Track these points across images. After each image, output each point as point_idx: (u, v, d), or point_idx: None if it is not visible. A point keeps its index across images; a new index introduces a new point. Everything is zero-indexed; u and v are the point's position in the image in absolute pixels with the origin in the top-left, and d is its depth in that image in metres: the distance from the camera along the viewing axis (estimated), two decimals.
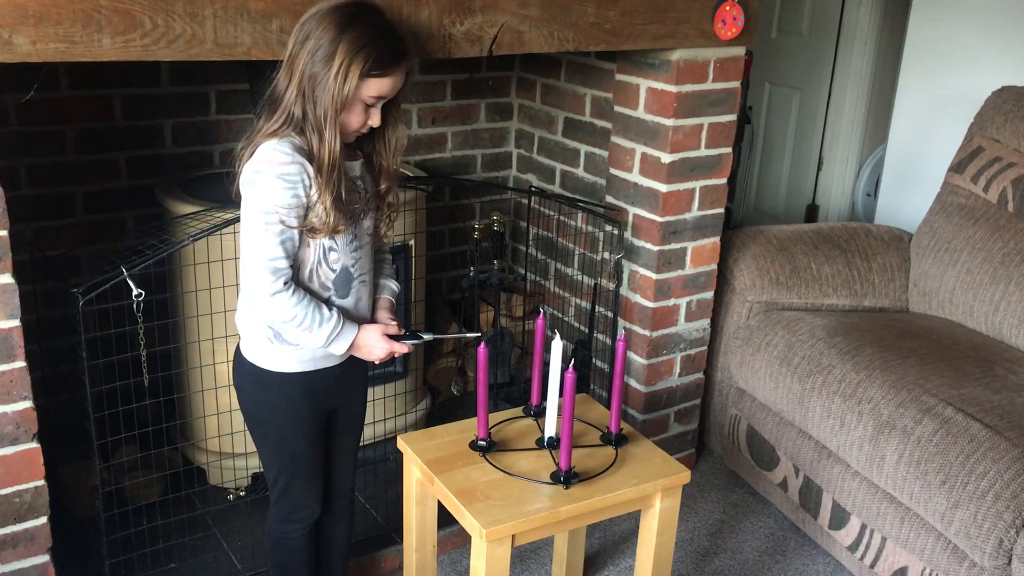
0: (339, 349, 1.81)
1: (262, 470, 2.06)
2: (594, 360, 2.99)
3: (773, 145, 4.73)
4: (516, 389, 3.08)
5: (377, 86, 1.69)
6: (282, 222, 1.68)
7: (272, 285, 1.70)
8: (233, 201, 1.78)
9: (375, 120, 1.75)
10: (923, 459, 2.24)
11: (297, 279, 1.76)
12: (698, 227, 2.72)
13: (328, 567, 2.13)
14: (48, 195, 2.56)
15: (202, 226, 2.15)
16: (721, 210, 2.75)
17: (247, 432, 1.93)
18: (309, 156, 1.69)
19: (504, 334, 3.08)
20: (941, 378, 2.43)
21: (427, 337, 1.94)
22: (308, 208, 1.70)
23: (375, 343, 1.84)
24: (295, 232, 1.71)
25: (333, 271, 1.80)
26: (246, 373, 1.87)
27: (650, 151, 2.63)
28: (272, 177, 1.66)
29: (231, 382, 1.94)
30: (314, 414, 1.89)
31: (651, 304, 2.74)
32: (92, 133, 2.58)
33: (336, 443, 2.00)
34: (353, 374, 1.94)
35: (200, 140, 2.75)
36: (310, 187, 1.69)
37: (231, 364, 1.93)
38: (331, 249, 1.78)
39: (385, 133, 1.82)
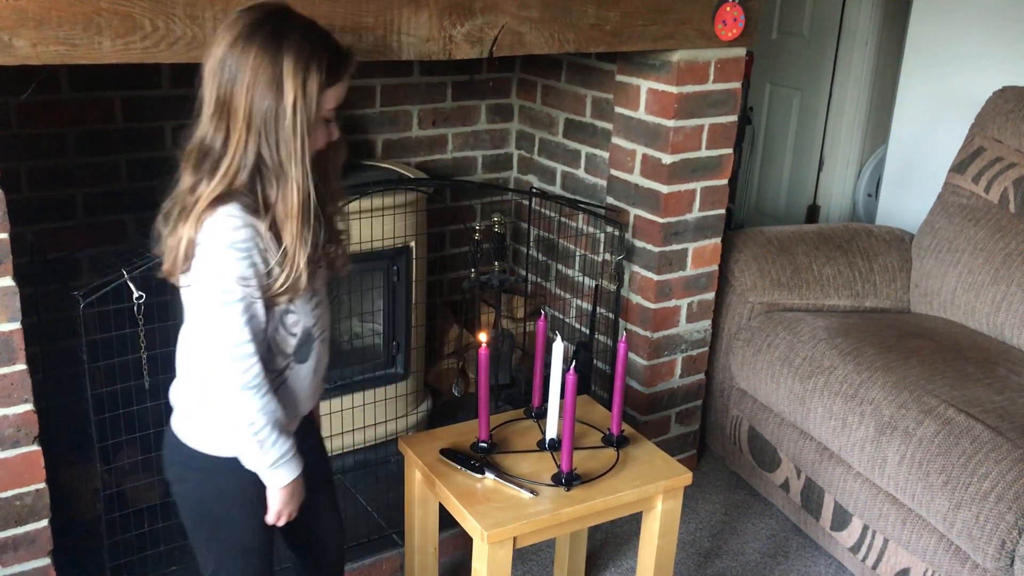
0: (277, 480, 1.55)
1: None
2: (595, 361, 2.98)
3: (774, 146, 4.73)
4: (517, 391, 3.07)
5: (335, 94, 1.49)
6: (242, 299, 1.45)
7: (241, 377, 1.46)
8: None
9: (336, 133, 1.53)
10: (925, 460, 2.23)
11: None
12: (699, 228, 2.72)
13: None
14: (49, 197, 2.55)
15: None
16: (722, 211, 2.75)
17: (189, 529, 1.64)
18: (259, 211, 1.44)
19: (505, 336, 3.08)
20: (943, 379, 2.43)
21: None
22: (268, 275, 1.46)
23: (292, 502, 1.59)
24: (259, 307, 1.47)
25: (293, 335, 1.56)
26: (187, 460, 1.60)
27: (651, 152, 2.63)
28: (223, 248, 1.43)
29: (164, 474, 1.66)
30: None
31: (652, 305, 2.73)
32: (93, 135, 2.57)
33: (315, 504, 1.71)
34: (306, 434, 1.70)
35: None
36: (265, 251, 1.45)
37: (164, 452, 1.66)
38: (288, 312, 1.53)
39: (326, 149, 1.55)
